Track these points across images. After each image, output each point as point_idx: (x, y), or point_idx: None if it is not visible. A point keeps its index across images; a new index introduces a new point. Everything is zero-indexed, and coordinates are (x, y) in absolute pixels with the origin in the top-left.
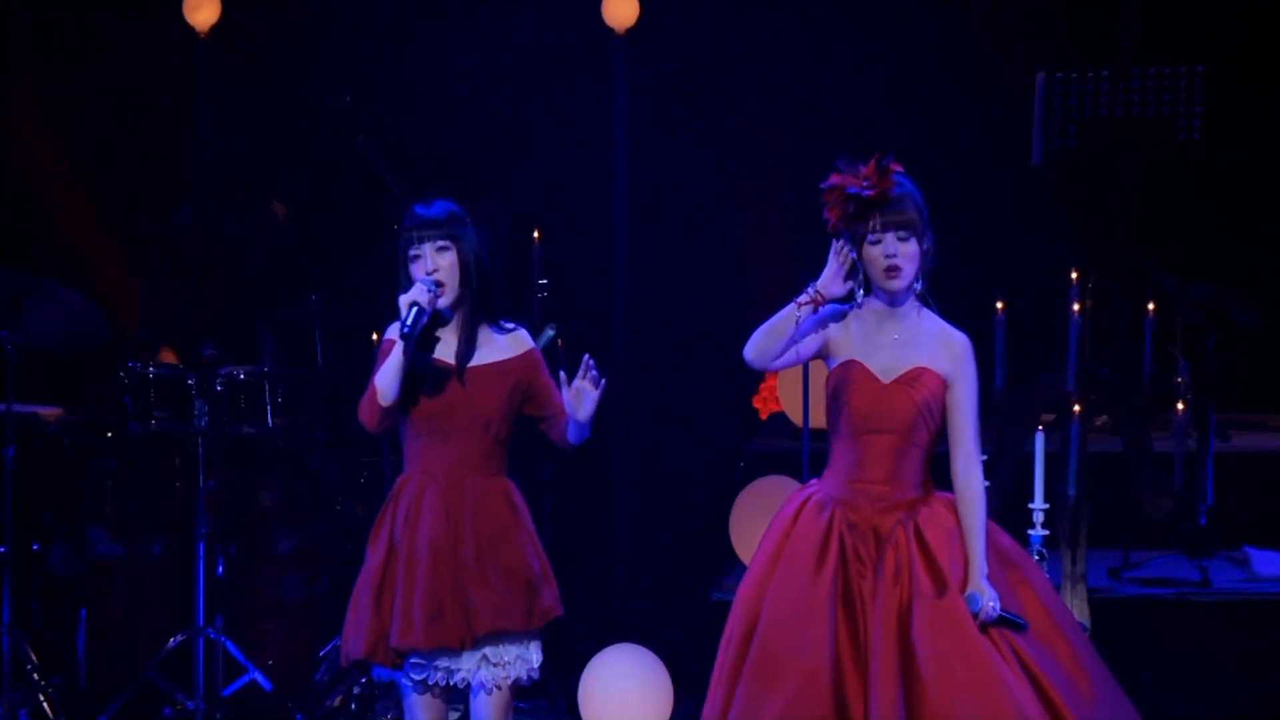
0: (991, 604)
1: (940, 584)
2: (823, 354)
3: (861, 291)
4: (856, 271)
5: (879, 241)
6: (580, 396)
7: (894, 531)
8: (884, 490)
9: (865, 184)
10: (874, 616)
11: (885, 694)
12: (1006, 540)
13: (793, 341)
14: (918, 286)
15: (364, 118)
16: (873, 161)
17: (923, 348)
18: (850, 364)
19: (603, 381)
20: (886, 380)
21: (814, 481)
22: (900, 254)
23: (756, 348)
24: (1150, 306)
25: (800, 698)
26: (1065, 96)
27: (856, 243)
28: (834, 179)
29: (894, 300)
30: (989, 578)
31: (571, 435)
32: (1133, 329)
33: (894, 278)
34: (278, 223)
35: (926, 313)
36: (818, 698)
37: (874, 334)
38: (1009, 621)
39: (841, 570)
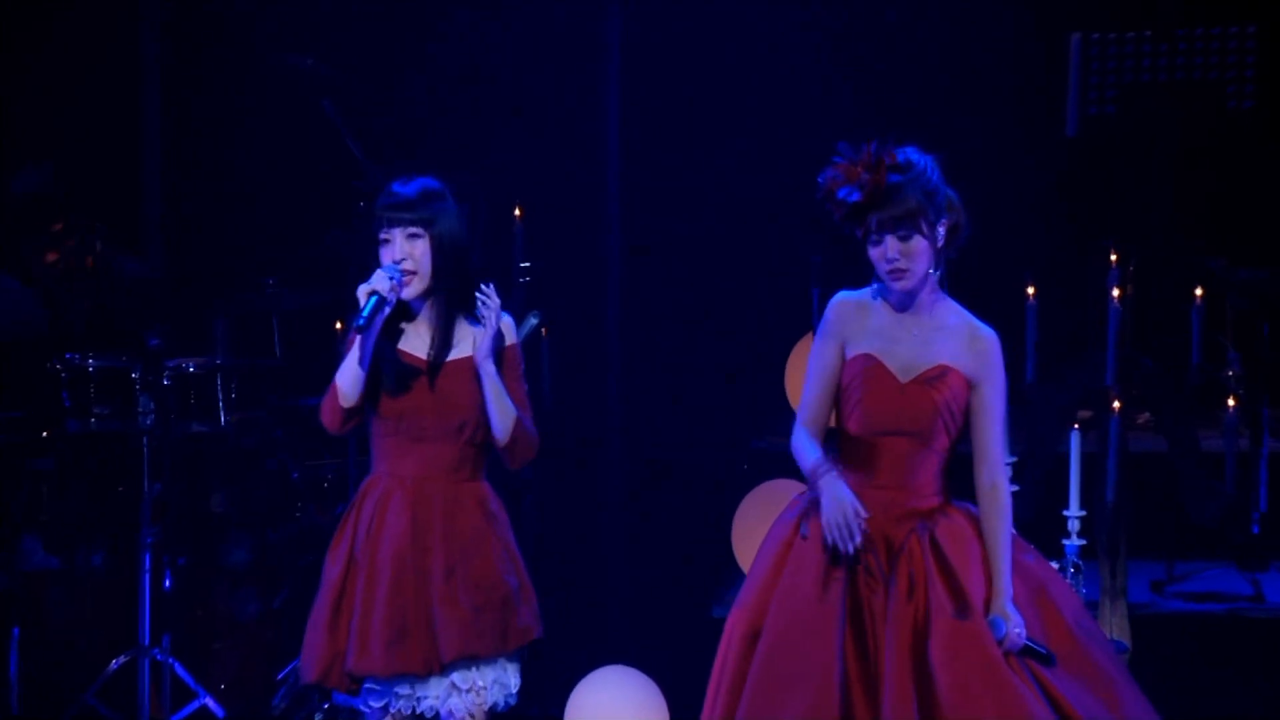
0: (1017, 630)
1: (961, 601)
2: (842, 352)
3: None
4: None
5: (879, 243)
6: (478, 332)
7: (907, 541)
8: (896, 496)
9: (857, 182)
10: (886, 636)
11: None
12: (1028, 553)
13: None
14: (935, 274)
15: (328, 81)
16: (867, 152)
17: (946, 344)
18: (866, 358)
19: (495, 296)
20: (905, 379)
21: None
22: (903, 255)
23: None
24: (1197, 291)
25: None
26: (1103, 60)
27: (860, 242)
28: (828, 174)
29: (909, 296)
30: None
31: (494, 426)
32: (1178, 316)
33: (898, 279)
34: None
35: (951, 304)
36: None
37: (892, 328)
38: (1034, 652)
39: (850, 583)
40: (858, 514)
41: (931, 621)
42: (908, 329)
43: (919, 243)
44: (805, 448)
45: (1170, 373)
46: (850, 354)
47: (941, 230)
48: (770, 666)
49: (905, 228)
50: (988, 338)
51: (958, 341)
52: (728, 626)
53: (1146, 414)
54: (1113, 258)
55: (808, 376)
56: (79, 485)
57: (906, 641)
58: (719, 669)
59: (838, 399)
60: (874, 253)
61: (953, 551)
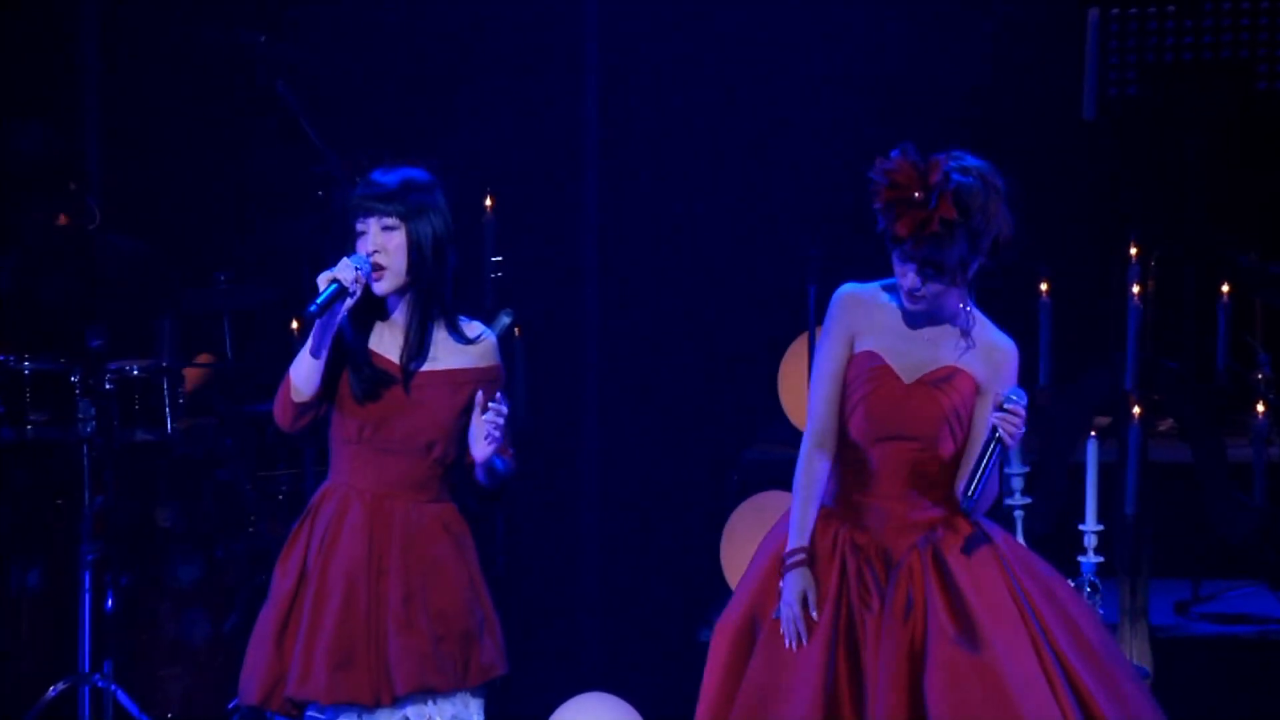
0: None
1: (965, 626)
2: (850, 347)
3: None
4: None
5: (903, 265)
6: (479, 431)
7: (907, 556)
8: (898, 508)
9: (894, 211)
10: (878, 658)
11: None
12: (1045, 567)
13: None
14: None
15: (282, 61)
16: (926, 175)
17: (957, 347)
18: (870, 356)
19: (505, 411)
20: (909, 380)
21: None
22: (923, 288)
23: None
24: (1224, 288)
25: None
26: (1123, 37)
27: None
28: (878, 183)
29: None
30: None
31: (478, 473)
32: (1203, 315)
33: (914, 303)
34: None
35: (970, 310)
36: None
37: (901, 326)
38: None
39: (844, 601)
40: (811, 612)
41: (930, 647)
42: (919, 328)
43: (936, 288)
44: (800, 489)
45: (1195, 376)
46: (857, 349)
47: (975, 265)
48: (755, 689)
49: (931, 270)
50: (1005, 348)
51: (971, 346)
52: (713, 644)
53: (1169, 420)
54: (1133, 252)
55: (814, 380)
56: (13, 498)
57: (902, 666)
58: (705, 686)
59: (843, 396)
60: (897, 266)
61: (960, 569)
